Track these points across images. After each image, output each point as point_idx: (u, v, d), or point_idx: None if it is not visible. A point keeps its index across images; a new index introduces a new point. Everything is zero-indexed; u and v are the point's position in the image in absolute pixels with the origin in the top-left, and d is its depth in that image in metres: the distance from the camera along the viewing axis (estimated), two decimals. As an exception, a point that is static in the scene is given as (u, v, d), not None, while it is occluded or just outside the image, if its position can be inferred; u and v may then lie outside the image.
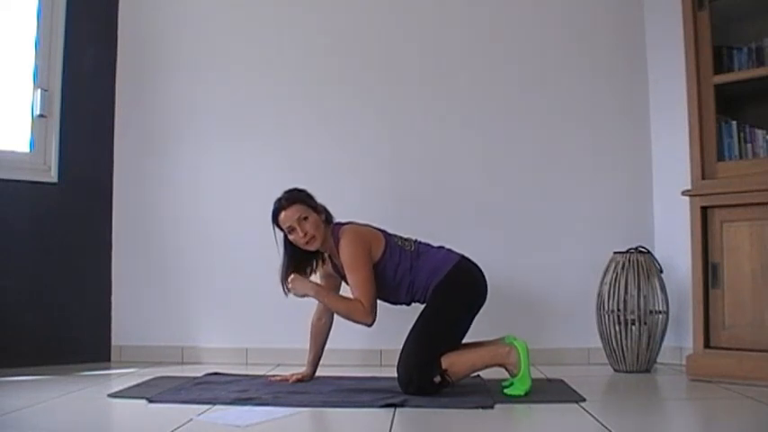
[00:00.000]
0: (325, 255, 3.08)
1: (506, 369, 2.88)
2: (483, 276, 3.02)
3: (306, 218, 2.92)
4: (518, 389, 2.81)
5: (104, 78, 3.99)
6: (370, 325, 2.87)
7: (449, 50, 3.97)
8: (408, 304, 3.04)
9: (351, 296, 2.89)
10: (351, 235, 2.92)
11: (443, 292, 2.91)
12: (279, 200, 2.97)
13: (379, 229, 3.03)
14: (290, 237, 2.96)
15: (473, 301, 2.97)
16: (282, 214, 2.93)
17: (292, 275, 2.94)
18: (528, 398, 2.78)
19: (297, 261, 3.01)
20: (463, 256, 3.01)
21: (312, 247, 2.95)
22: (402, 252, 2.96)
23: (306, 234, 2.91)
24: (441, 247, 3.05)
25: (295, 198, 2.95)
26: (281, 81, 3.99)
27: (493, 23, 3.98)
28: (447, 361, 2.82)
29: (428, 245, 3.06)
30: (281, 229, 2.98)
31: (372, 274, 2.88)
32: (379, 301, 3.02)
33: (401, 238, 3.04)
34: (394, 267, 2.94)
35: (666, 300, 3.55)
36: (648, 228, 3.83)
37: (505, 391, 2.85)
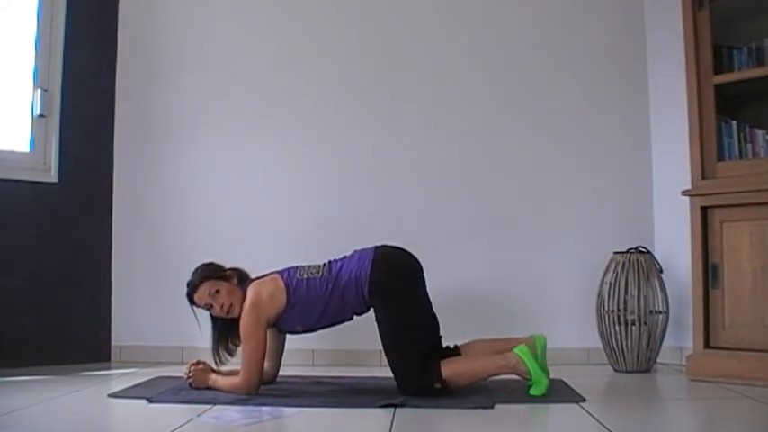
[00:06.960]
0: None
1: (520, 377, 2.88)
2: (403, 251, 2.99)
3: (218, 291, 2.97)
4: (537, 390, 2.80)
5: (104, 78, 3.99)
6: (253, 395, 2.85)
7: (449, 52, 3.97)
8: (360, 314, 2.99)
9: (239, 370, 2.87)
10: (248, 303, 2.90)
11: (378, 295, 2.86)
12: (189, 283, 3.00)
13: (282, 272, 3.00)
14: (212, 312, 3.01)
15: (408, 282, 2.93)
16: (196, 296, 2.98)
17: (193, 368, 2.98)
18: (528, 398, 2.78)
19: (226, 331, 3.04)
20: (377, 247, 2.98)
21: (235, 314, 2.97)
22: (310, 282, 2.92)
23: (222, 306, 2.96)
24: (354, 253, 3.01)
25: (202, 277, 2.99)
26: (282, 81, 3.99)
27: (492, 25, 3.98)
28: (448, 370, 2.80)
29: (340, 259, 3.01)
30: (202, 308, 3.02)
31: (262, 342, 2.87)
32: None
33: (307, 268, 2.99)
34: (313, 300, 2.90)
35: (666, 300, 3.55)
36: (648, 228, 3.83)
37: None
